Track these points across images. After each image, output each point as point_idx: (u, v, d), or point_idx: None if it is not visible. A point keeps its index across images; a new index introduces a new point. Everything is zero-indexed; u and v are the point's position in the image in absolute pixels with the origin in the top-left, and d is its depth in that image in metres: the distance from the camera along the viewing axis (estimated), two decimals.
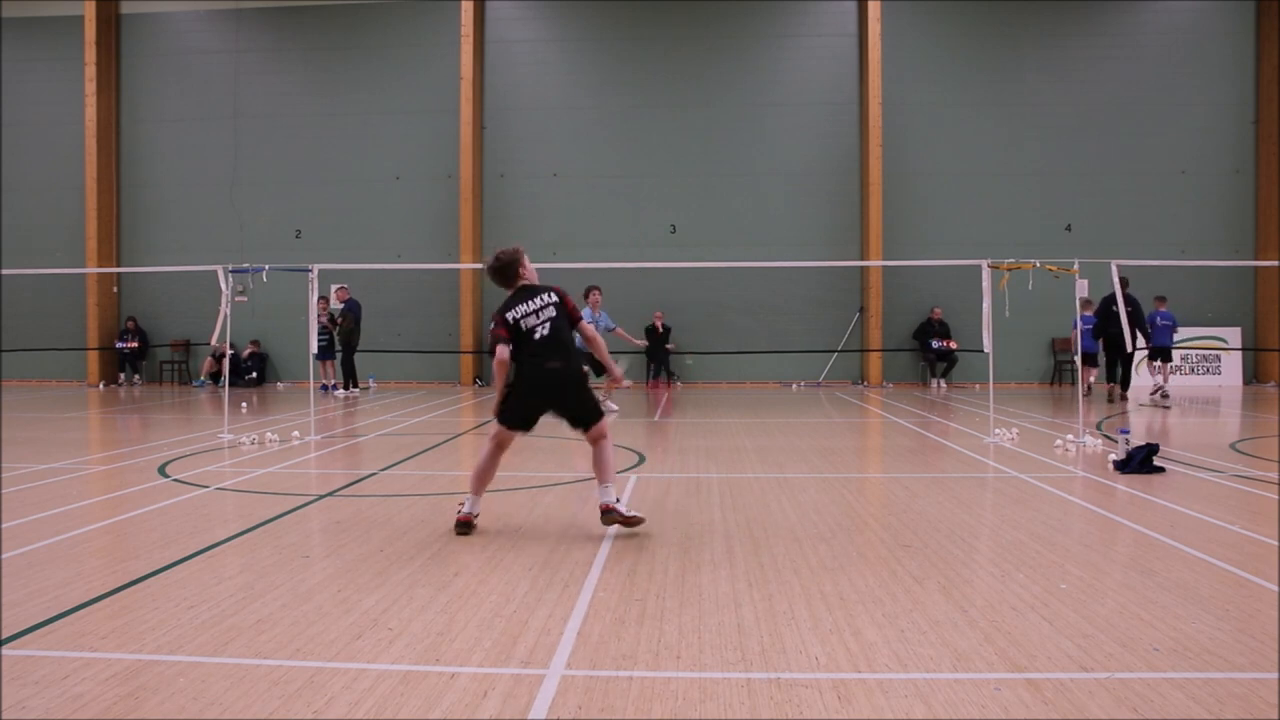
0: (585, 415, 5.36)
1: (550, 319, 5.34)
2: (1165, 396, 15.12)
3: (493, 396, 5.61)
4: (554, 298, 5.43)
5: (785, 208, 19.74)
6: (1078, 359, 12.12)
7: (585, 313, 13.37)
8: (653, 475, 7.39)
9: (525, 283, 5.51)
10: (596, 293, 13.45)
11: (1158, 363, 15.99)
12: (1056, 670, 3.10)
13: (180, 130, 21.04)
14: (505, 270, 5.52)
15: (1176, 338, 17.18)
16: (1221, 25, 19.48)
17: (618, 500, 5.27)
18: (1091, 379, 16.74)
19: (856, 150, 19.78)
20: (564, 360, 5.31)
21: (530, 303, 5.37)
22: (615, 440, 5.09)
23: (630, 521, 5.18)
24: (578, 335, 5.47)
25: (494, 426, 5.42)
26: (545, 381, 5.30)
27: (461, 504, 5.41)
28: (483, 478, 5.42)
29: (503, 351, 5.30)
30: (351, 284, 18.47)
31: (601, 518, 5.18)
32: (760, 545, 4.94)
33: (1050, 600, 3.90)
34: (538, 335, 5.28)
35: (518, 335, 5.33)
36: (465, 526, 5.29)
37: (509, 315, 5.33)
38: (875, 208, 19.11)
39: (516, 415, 5.39)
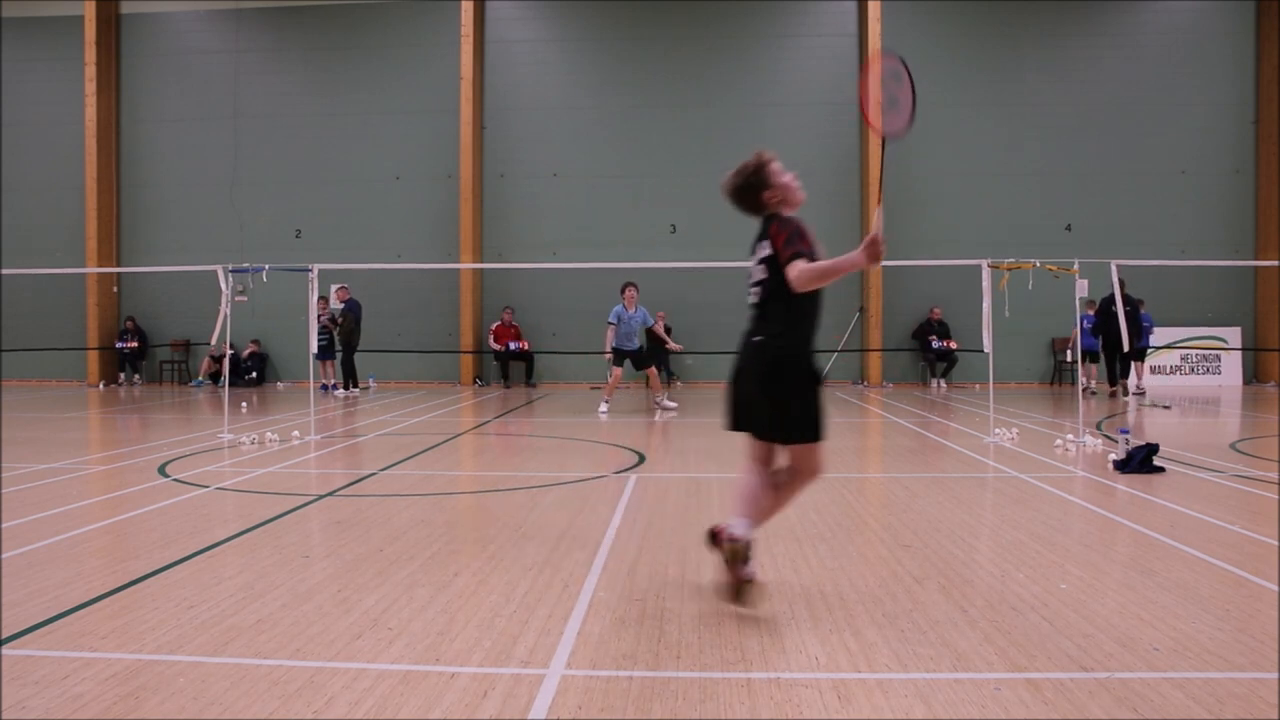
0: (776, 426, 3.78)
1: (760, 281, 3.84)
2: (1141, 392, 15.49)
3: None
4: (766, 248, 3.81)
5: None
6: (1067, 355, 12.26)
7: (618, 309, 13.47)
8: (653, 475, 7.39)
9: (774, 211, 3.91)
10: (632, 289, 13.60)
11: (1135, 362, 16.51)
12: (1056, 670, 3.09)
13: (180, 130, 21.03)
14: (743, 190, 3.97)
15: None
16: (1221, 25, 19.47)
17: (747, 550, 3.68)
18: (1090, 380, 17.10)
19: (856, 150, 19.77)
20: (762, 333, 3.80)
21: (759, 246, 3.87)
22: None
23: (738, 578, 3.67)
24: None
25: None
26: (738, 360, 3.90)
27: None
28: (744, 497, 3.83)
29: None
30: (351, 284, 18.46)
31: (710, 537, 3.95)
32: (760, 545, 4.92)
33: (1050, 600, 3.90)
34: (750, 296, 3.86)
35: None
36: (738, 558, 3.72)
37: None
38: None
39: (727, 406, 4.00)
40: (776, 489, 3.90)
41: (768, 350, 3.76)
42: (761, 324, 3.81)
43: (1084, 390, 16.71)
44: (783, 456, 3.93)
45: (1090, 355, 17.12)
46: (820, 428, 3.78)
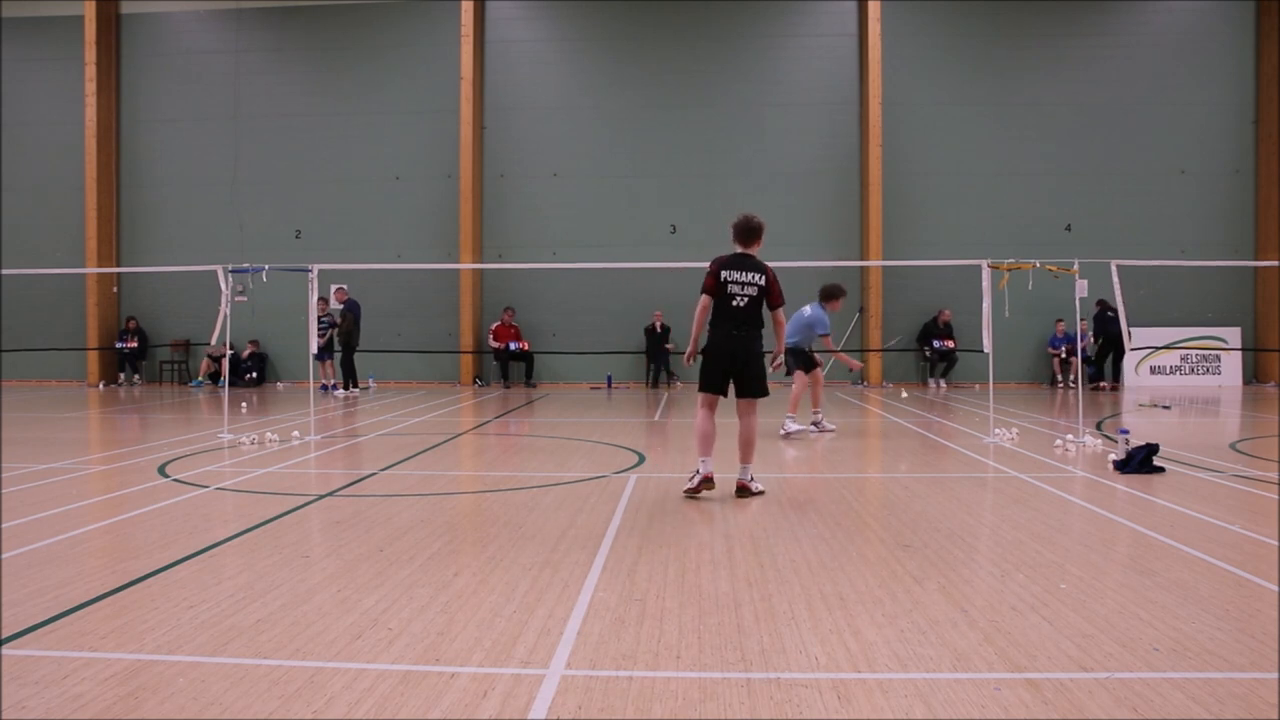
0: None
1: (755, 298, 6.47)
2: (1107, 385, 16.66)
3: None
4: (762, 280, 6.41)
5: (785, 208, 19.68)
6: (1057, 355, 12.42)
7: (822, 315, 10.95)
8: (653, 475, 7.39)
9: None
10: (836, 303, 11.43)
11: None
12: (1056, 670, 3.10)
13: (180, 130, 21.02)
14: (758, 230, 6.47)
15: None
16: (1221, 25, 19.46)
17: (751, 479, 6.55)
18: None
19: (856, 150, 19.77)
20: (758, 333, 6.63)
21: (754, 275, 6.49)
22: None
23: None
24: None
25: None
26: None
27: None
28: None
29: None
30: (351, 284, 18.47)
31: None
32: (760, 545, 4.94)
33: (1050, 600, 3.90)
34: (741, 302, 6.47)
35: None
36: None
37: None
38: (875, 208, 19.10)
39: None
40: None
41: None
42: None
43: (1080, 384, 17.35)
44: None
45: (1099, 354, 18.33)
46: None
